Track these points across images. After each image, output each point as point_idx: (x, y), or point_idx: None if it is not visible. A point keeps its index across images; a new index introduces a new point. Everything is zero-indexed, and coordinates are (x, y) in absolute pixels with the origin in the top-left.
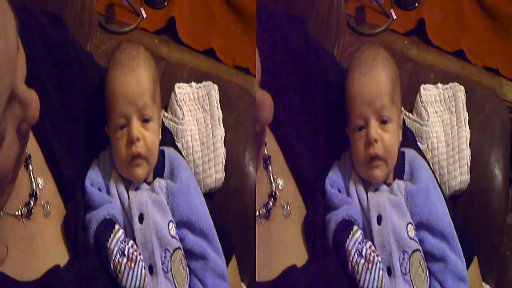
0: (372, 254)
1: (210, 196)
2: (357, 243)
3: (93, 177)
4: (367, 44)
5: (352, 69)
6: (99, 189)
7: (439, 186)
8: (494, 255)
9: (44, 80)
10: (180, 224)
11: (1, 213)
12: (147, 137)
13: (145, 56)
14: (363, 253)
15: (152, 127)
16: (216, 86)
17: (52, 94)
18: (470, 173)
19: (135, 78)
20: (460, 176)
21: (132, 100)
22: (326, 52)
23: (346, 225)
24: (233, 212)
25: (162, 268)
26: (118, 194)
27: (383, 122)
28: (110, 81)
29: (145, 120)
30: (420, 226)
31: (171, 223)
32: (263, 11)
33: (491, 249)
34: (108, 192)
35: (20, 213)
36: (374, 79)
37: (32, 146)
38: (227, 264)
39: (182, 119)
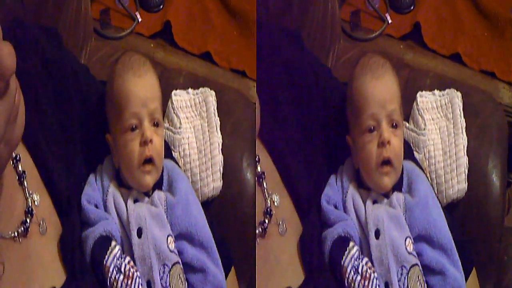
0: (369, 270)
1: (207, 204)
2: (353, 259)
3: (90, 193)
4: (372, 53)
5: (362, 72)
6: (96, 206)
7: (437, 196)
8: (492, 262)
9: (40, 95)
10: (179, 237)
11: None
12: (157, 141)
13: (151, 65)
14: (359, 270)
15: (160, 133)
16: (213, 92)
17: (48, 109)
18: (467, 181)
19: (148, 81)
20: (457, 184)
21: (145, 102)
22: (322, 66)
23: (342, 242)
24: (231, 220)
25: (161, 284)
26: (116, 209)
27: (393, 126)
28: (120, 83)
29: (155, 124)
30: (418, 238)
31: (169, 237)
32: (262, 27)
33: (489, 256)
34: (105, 208)
35: (16, 233)
36: (387, 82)
37: (27, 163)
38: (226, 276)
39: (179, 128)
